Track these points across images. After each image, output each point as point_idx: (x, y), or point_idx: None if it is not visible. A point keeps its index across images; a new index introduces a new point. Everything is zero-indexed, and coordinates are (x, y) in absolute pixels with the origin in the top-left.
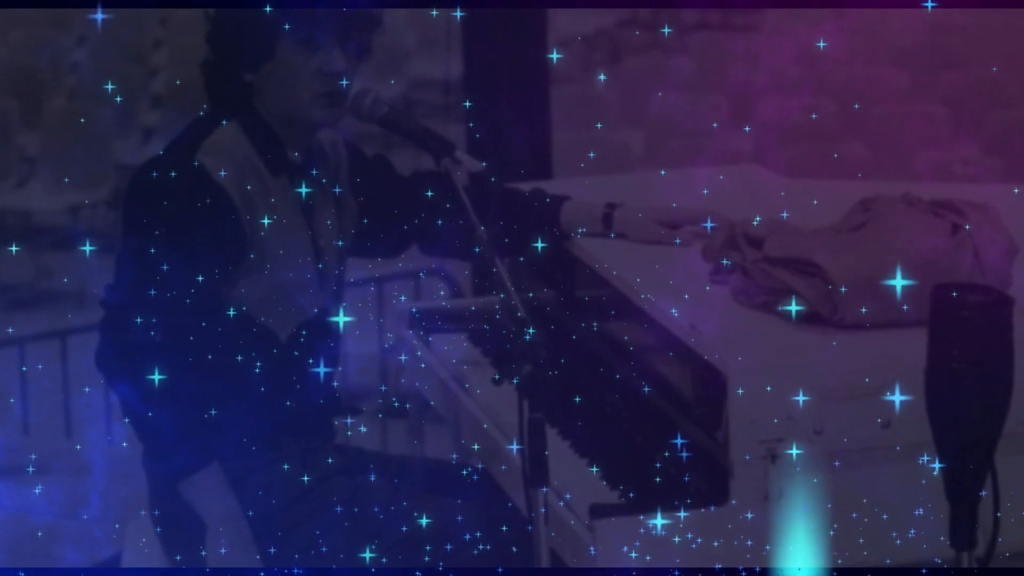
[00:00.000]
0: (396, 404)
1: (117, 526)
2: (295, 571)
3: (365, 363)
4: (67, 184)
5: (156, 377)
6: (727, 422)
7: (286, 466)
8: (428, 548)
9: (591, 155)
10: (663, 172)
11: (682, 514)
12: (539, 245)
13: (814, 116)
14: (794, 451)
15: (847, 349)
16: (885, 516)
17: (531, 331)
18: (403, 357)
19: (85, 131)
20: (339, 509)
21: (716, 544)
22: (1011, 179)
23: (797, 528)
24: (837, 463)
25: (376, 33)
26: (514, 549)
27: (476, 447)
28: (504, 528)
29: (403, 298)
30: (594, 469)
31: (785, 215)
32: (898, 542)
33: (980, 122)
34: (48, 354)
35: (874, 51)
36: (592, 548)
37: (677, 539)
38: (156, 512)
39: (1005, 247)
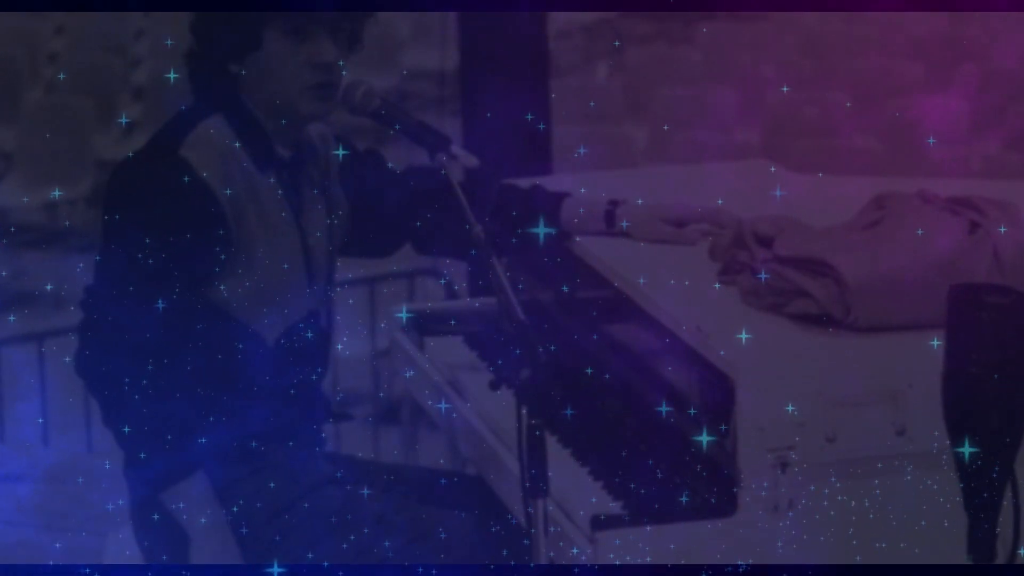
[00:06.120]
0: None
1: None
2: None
3: (356, 367)
4: (44, 180)
5: (138, 382)
6: (734, 429)
7: (273, 475)
8: (423, 559)
9: (583, 150)
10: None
11: (687, 525)
12: (539, 243)
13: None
14: (805, 460)
15: (860, 352)
16: (900, 528)
17: (530, 334)
18: (397, 361)
19: (63, 125)
20: (330, 520)
21: (722, 556)
22: None
23: (807, 539)
24: (850, 472)
25: (368, 22)
26: (512, 562)
27: (472, 456)
28: (501, 539)
29: (398, 300)
30: (596, 478)
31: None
32: (914, 553)
33: (1001, 116)
34: (24, 357)
35: (888, 42)
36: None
37: (681, 551)
38: (137, 523)
39: None
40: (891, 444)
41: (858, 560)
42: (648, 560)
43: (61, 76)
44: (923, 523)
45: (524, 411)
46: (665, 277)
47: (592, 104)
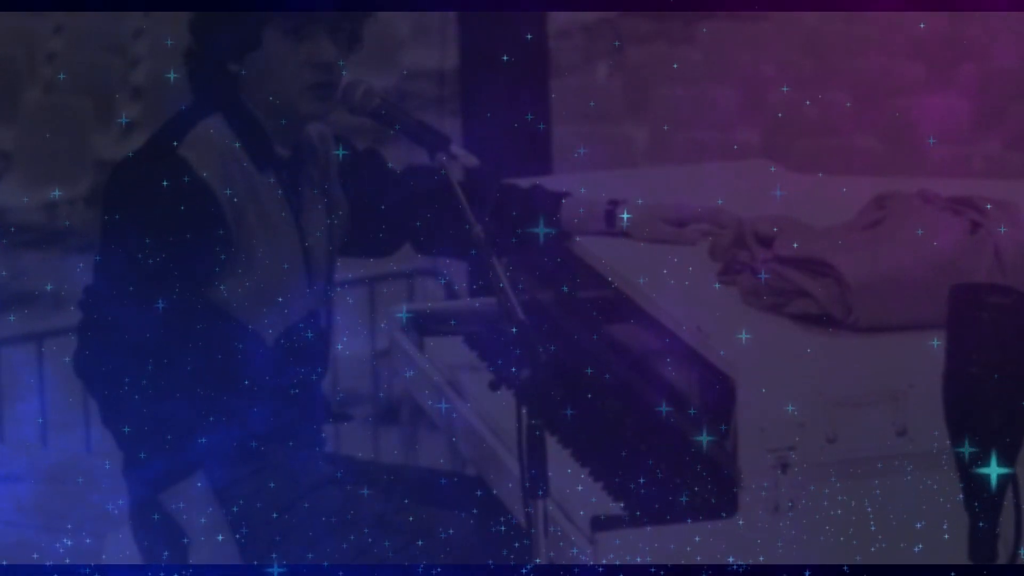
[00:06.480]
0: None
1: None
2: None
3: (356, 367)
4: (44, 180)
5: (137, 382)
6: (735, 429)
7: (273, 476)
8: (423, 559)
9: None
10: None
11: (687, 526)
12: (539, 243)
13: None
14: (805, 460)
15: (861, 353)
16: (900, 528)
17: (530, 334)
18: (397, 361)
19: (63, 124)
20: (329, 521)
21: (722, 557)
22: None
23: (807, 540)
24: (850, 472)
25: (368, 22)
26: (512, 562)
27: (472, 456)
28: (501, 539)
29: (398, 300)
30: (596, 479)
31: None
32: (914, 555)
33: (1001, 116)
34: (24, 357)
35: (888, 42)
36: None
37: (681, 551)
38: (136, 524)
39: None
40: (892, 444)
41: (858, 560)
42: (648, 560)
43: (61, 76)
44: (923, 523)
45: (524, 411)
46: (665, 277)
47: (592, 104)
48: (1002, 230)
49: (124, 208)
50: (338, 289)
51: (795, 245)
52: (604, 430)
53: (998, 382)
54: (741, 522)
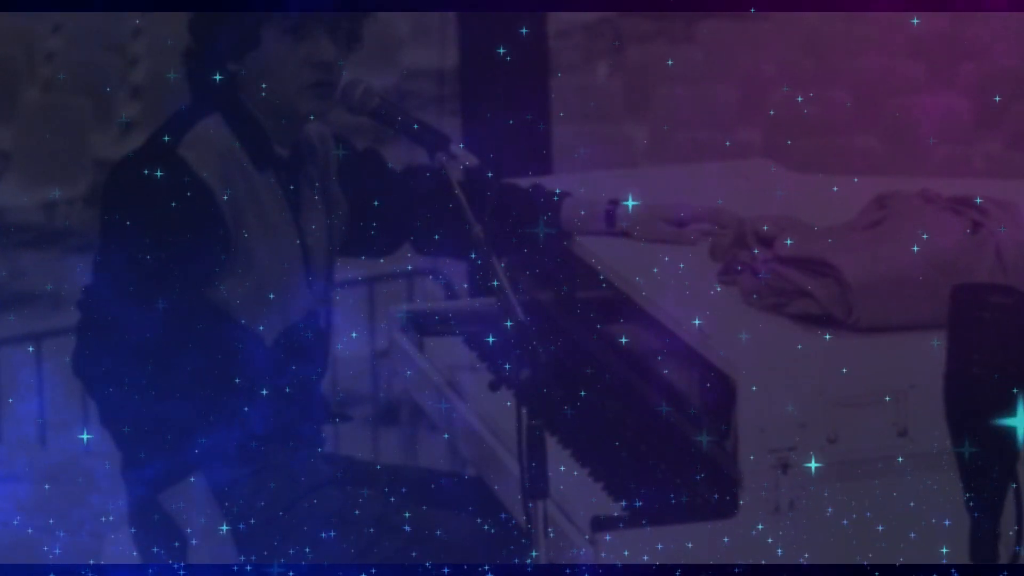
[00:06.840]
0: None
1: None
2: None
3: (355, 368)
4: (43, 180)
5: (136, 382)
6: (735, 430)
7: (273, 476)
8: (423, 559)
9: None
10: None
11: (687, 526)
12: (539, 243)
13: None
14: (806, 461)
15: (862, 353)
16: (901, 529)
17: (530, 334)
18: (396, 361)
19: (61, 124)
20: (329, 521)
21: (722, 557)
22: None
23: (808, 540)
24: (851, 472)
25: (367, 21)
26: (512, 562)
27: (472, 456)
28: (501, 539)
29: (397, 300)
30: (596, 479)
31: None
32: (915, 554)
33: (1002, 116)
34: (23, 357)
35: (888, 42)
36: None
37: (682, 552)
38: (135, 524)
39: None
40: (892, 444)
41: (858, 560)
42: (648, 560)
43: (60, 76)
44: (923, 523)
45: (524, 411)
46: (665, 277)
47: (592, 104)
48: (1003, 230)
49: (123, 208)
50: (338, 289)
51: (792, 244)
52: (604, 430)
53: (999, 382)
54: (741, 522)
